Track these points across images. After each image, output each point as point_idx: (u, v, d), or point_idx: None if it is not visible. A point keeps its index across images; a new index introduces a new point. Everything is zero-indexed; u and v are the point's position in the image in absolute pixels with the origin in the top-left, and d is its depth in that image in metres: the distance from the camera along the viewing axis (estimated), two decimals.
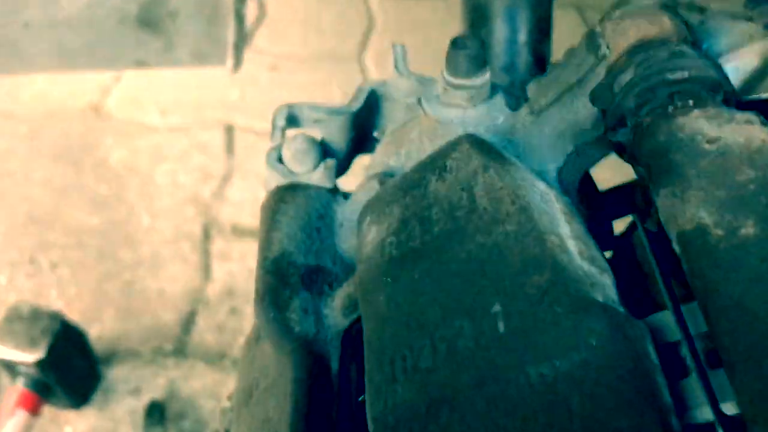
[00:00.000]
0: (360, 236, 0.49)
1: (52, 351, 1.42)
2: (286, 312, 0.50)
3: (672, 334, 0.39)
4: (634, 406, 0.33)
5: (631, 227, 0.55)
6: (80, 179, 2.03)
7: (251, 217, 2.01)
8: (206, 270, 1.88)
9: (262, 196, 0.66)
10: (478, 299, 0.39)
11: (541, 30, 0.96)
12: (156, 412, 1.58)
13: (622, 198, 0.61)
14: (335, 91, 2.24)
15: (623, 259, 0.52)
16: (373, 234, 0.48)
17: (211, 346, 1.74)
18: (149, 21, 0.95)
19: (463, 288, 0.40)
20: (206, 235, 1.96)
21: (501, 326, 0.38)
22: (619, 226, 0.61)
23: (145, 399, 1.62)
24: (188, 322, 1.78)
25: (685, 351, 0.38)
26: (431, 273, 0.43)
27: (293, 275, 0.52)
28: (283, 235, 0.55)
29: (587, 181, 0.61)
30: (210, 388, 1.66)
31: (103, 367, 1.66)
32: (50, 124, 2.23)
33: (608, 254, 0.59)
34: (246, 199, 2.07)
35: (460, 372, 0.38)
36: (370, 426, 0.40)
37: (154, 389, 1.64)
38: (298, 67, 2.37)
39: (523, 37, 0.96)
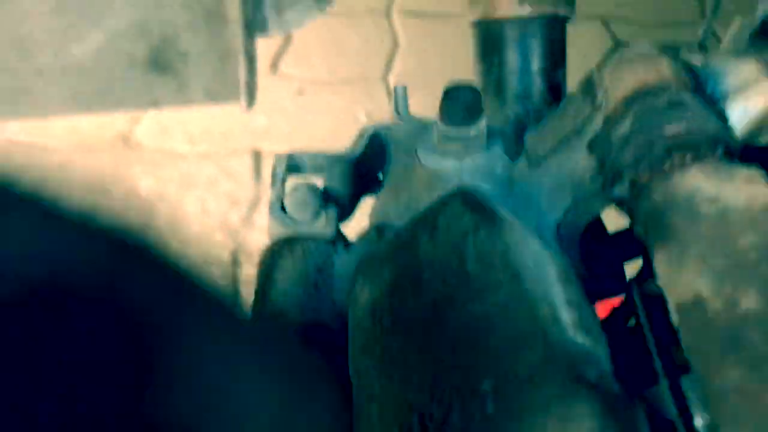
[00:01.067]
0: (352, 298, 0.48)
1: None
2: None
3: (671, 409, 0.37)
4: None
5: (642, 273, 0.53)
6: (109, 208, 2.05)
7: None
8: (235, 296, 1.88)
9: None
10: (469, 376, 0.37)
11: (555, 56, 0.93)
12: None
13: (633, 239, 0.58)
14: (361, 114, 2.24)
15: (630, 312, 0.50)
16: (365, 296, 0.46)
17: None
18: (160, 63, 0.94)
19: (454, 363, 0.39)
20: (235, 261, 1.96)
21: (490, 407, 0.36)
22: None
23: None
24: None
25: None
26: (422, 345, 0.41)
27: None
28: (278, 293, 0.53)
29: (595, 224, 0.59)
30: None
31: None
32: (81, 154, 2.26)
33: (618, 299, 0.57)
34: None
35: None
36: None
37: None
38: (324, 90, 2.38)
39: (536, 64, 0.94)
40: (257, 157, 2.20)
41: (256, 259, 2.00)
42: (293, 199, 0.62)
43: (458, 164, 0.50)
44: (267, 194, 2.32)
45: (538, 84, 0.94)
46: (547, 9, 0.92)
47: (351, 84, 2.36)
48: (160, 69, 0.97)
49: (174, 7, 0.92)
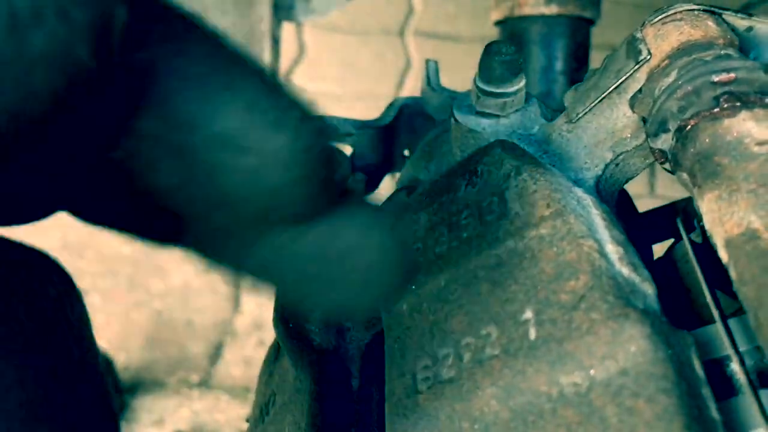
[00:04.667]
0: None
1: None
2: (305, 323, 0.48)
3: (719, 349, 0.36)
4: (676, 420, 0.30)
5: (671, 249, 0.52)
6: None
7: None
8: (236, 302, 1.87)
9: None
10: (508, 306, 0.37)
11: (579, 58, 0.94)
12: None
13: (662, 220, 0.58)
14: None
15: (665, 279, 0.49)
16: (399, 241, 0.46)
17: (237, 379, 1.71)
18: None
19: (492, 294, 0.38)
20: None
21: (532, 333, 0.35)
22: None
23: (168, 430, 1.59)
24: (215, 353, 1.76)
25: (733, 368, 0.35)
26: (458, 279, 0.40)
27: None
28: None
29: (626, 201, 0.58)
30: (234, 422, 1.63)
31: (127, 396, 1.64)
32: None
33: None
34: None
35: (485, 383, 0.35)
36: None
37: (178, 420, 1.61)
38: (334, 105, 2.38)
39: (560, 65, 0.94)
40: None
41: None
42: None
43: (495, 123, 0.50)
44: None
45: (561, 84, 0.95)
46: (573, 10, 0.93)
47: (362, 100, 2.37)
48: None
49: None
